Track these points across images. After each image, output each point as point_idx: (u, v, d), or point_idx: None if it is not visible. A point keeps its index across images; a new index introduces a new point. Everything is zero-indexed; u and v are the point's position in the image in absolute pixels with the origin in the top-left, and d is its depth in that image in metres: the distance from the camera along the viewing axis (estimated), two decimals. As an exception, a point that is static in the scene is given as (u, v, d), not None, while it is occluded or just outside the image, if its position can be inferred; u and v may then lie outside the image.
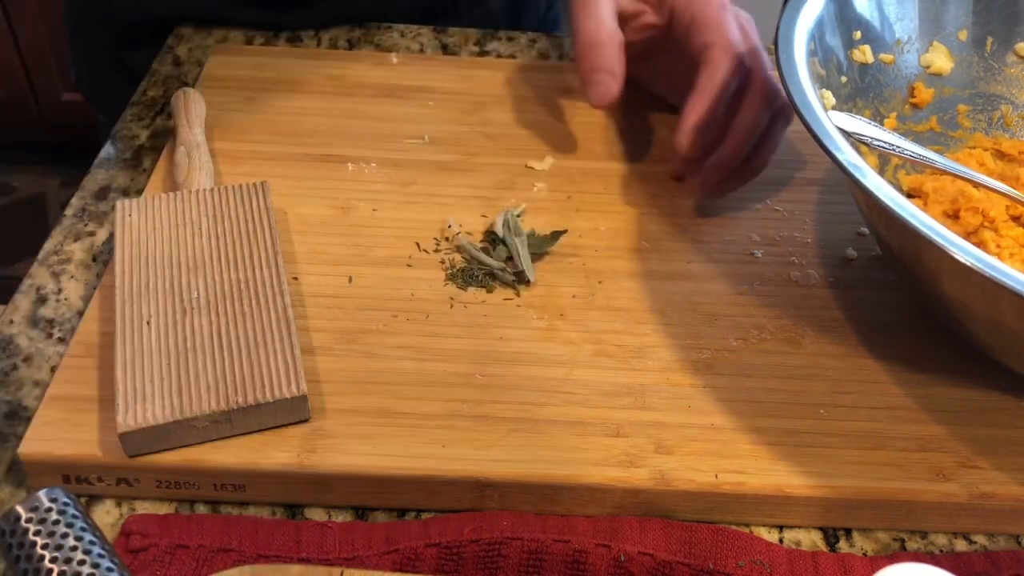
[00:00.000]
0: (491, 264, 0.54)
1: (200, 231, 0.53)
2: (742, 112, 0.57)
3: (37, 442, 0.45)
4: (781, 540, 0.46)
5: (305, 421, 0.46)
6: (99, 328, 0.50)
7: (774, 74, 0.57)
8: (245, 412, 0.45)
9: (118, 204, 0.54)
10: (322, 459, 0.45)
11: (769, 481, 0.45)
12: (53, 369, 0.50)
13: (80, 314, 0.53)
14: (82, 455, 0.44)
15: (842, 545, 0.46)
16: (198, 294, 0.50)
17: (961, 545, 0.46)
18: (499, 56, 0.74)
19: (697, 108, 0.56)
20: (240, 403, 0.45)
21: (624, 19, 0.60)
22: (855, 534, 0.46)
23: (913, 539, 0.46)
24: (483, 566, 0.43)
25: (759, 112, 0.57)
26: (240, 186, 0.56)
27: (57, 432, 0.45)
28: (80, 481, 0.45)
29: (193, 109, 0.62)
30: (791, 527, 0.46)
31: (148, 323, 0.48)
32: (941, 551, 0.46)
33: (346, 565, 0.43)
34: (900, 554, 0.46)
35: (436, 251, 0.56)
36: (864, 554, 0.46)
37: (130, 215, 0.54)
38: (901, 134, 0.58)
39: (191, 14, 0.75)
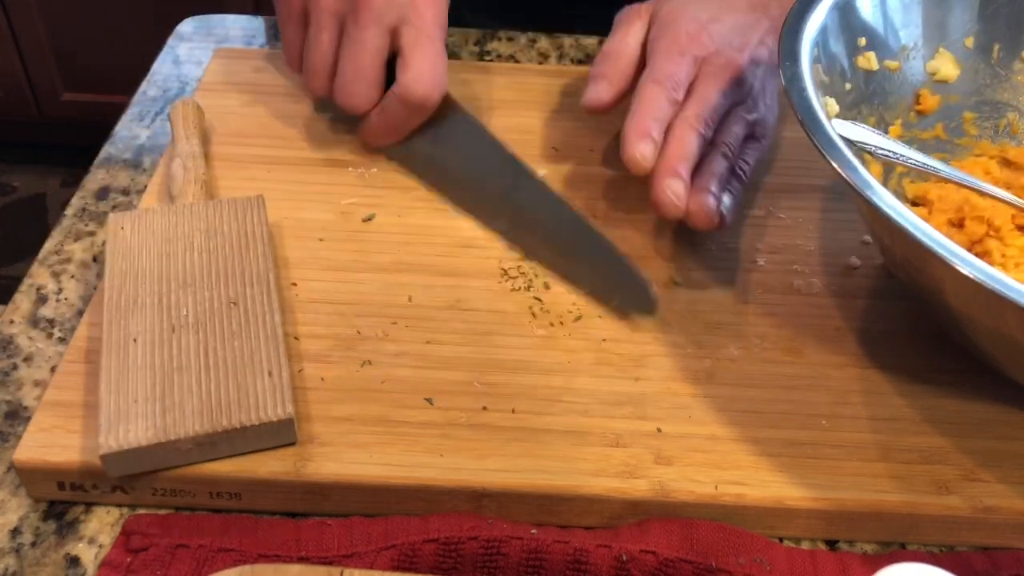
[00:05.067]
0: None
1: (192, 246, 0.52)
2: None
3: (31, 449, 0.44)
4: (781, 540, 0.46)
5: (291, 444, 0.45)
6: (95, 334, 0.50)
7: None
8: (230, 435, 0.44)
9: (110, 217, 0.53)
10: (318, 468, 0.44)
11: (769, 493, 0.45)
12: (53, 369, 0.50)
13: (80, 314, 0.53)
14: (76, 463, 0.44)
15: (842, 545, 0.46)
16: (187, 311, 0.48)
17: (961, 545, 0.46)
18: (499, 56, 0.74)
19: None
20: (225, 426, 0.43)
21: None
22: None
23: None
24: (482, 566, 0.43)
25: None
26: (235, 200, 0.54)
27: (51, 439, 0.45)
28: (75, 488, 0.45)
29: (191, 119, 0.60)
30: (791, 539, 0.46)
31: (135, 340, 0.47)
32: (941, 550, 0.46)
33: (345, 562, 0.43)
34: (900, 553, 0.45)
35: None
36: (864, 553, 0.45)
37: (122, 228, 0.52)
38: (906, 141, 0.58)
39: None
